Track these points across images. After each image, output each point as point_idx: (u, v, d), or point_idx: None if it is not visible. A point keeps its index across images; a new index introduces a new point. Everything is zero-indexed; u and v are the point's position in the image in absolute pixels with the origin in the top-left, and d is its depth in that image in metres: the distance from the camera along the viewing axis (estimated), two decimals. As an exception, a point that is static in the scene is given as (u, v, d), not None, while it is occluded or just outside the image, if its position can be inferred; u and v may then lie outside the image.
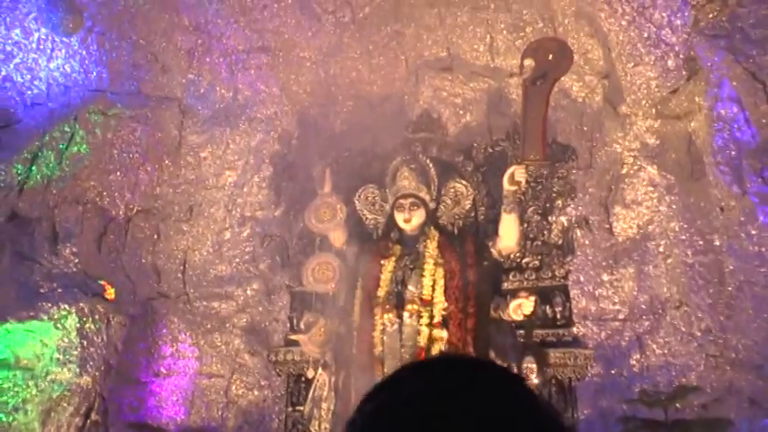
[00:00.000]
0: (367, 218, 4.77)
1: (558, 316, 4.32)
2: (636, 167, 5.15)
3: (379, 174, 4.85)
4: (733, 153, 4.32)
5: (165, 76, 5.65)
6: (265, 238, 5.11)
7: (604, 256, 5.15)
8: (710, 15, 4.40)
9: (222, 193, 5.69)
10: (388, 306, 4.20)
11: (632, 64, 4.96)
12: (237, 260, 5.63)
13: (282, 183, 5.38)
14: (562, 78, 4.58)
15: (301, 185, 5.07)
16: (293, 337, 4.54)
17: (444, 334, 4.09)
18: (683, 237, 4.99)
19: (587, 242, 5.13)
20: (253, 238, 5.59)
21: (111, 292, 5.34)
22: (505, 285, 4.44)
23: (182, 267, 5.68)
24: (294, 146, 5.60)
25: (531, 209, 4.56)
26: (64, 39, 5.13)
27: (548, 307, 4.33)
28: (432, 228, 4.42)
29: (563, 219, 4.64)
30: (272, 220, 5.55)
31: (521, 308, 4.02)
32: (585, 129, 5.27)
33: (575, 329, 4.41)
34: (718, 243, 4.85)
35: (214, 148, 5.72)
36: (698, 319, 4.90)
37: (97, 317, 5.16)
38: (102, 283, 5.35)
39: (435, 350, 4.06)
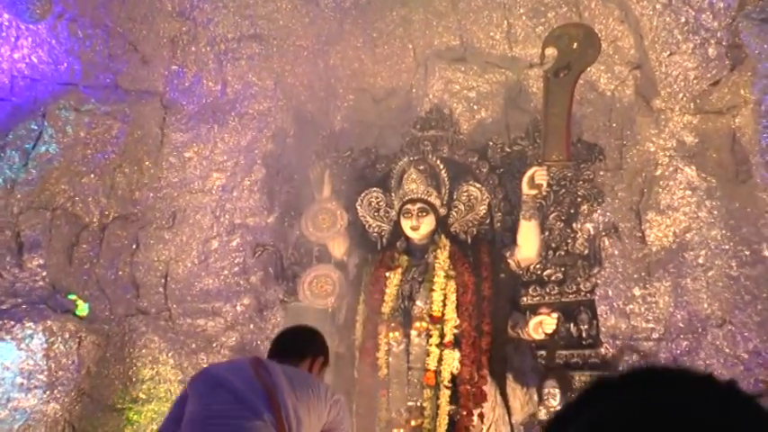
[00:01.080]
0: (370, 225, 4.78)
1: (584, 335, 4.30)
2: (672, 168, 5.11)
3: (384, 176, 4.87)
4: (783, 152, 4.27)
5: (146, 68, 5.66)
6: (257, 247, 5.10)
7: (636, 268, 5.12)
8: (758, -4, 4.37)
9: (209, 198, 5.68)
10: (393, 324, 4.21)
11: (668, 53, 4.94)
12: (226, 272, 5.61)
13: (276, 186, 5.38)
14: (588, 69, 4.59)
15: (297, 189, 5.09)
16: (287, 358, 4.50)
17: (456, 354, 4.11)
18: (726, 246, 4.94)
19: (617, 252, 5.09)
20: (243, 247, 5.58)
21: (83, 309, 5.31)
22: (525, 300, 4.44)
23: (163, 280, 5.67)
24: (289, 145, 5.60)
25: (553, 215, 4.55)
26: (30, 26, 5.14)
27: (572, 325, 4.31)
28: (442, 236, 4.44)
29: (589, 226, 4.62)
30: (264, 227, 5.53)
31: (542, 326, 4.01)
32: (615, 125, 5.25)
33: (603, 350, 4.39)
34: (767, 253, 4.80)
35: (200, 148, 5.72)
36: (744, 339, 4.84)
37: (67, 336, 5.13)
38: (73, 298, 5.32)
39: (446, 372, 4.05)
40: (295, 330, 2.97)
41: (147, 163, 5.70)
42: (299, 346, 2.80)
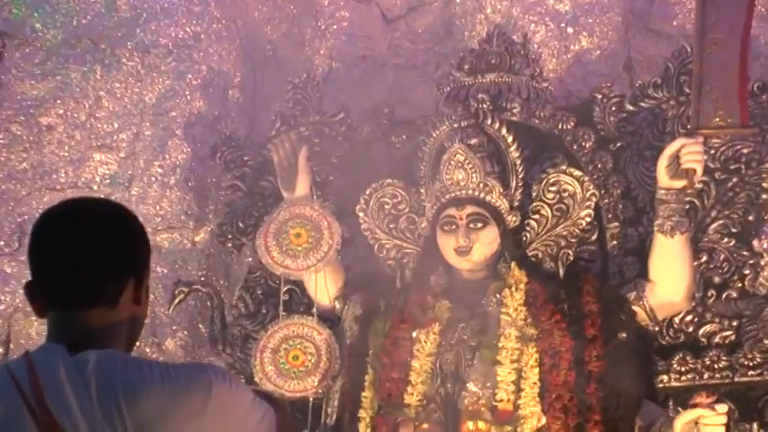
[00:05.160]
0: (383, 246, 4.79)
1: (780, 443, 4.31)
2: None
3: (407, 157, 4.88)
4: None
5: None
6: (177, 288, 5.09)
7: None
8: None
9: (88, 200, 5.70)
10: (427, 424, 4.21)
11: None
12: (121, 334, 5.64)
13: (211, 177, 5.39)
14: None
15: (249, 182, 5.08)
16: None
17: (542, 479, 4.10)
18: None
19: (837, 294, 5.10)
20: (151, 287, 5.56)
21: None
22: (665, 381, 4.45)
23: (2, 350, 5.68)
24: (234, 102, 5.64)
25: (714, 226, 4.56)
26: None
27: (756, 426, 4.31)
28: (513, 264, 4.45)
29: (783, 246, 4.62)
30: (189, 252, 5.62)
31: (700, 426, 3.99)
32: (828, 62, 5.28)
33: (814, 473, 4.39)
34: None
35: (69, 108, 5.80)
36: None
37: None
38: None
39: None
40: (79, 222, 2.30)
41: (-28, 137, 5.79)
42: (108, 261, 2.26)
